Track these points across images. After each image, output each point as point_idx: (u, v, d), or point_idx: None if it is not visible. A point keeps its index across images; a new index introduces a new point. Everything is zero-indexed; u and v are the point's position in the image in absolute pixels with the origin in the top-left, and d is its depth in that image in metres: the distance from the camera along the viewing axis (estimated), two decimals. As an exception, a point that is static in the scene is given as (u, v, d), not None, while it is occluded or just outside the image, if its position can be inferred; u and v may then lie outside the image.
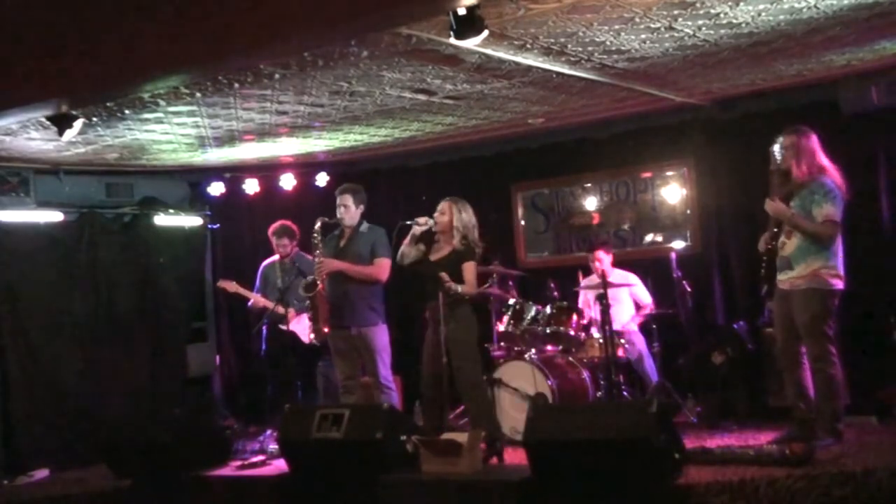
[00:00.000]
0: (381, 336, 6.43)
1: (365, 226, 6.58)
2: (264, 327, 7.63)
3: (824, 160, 5.45)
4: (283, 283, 7.55)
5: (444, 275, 5.93)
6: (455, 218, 6.14)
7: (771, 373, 6.28)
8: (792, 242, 5.42)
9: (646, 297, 7.31)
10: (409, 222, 6.16)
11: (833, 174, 5.42)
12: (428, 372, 6.12)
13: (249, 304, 7.72)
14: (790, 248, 5.43)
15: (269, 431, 6.65)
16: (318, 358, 7.72)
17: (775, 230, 5.54)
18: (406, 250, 6.15)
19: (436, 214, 6.17)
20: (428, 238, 6.21)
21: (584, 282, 7.43)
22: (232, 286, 7.76)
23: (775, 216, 5.48)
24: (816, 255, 5.34)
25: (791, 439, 5.20)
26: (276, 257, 7.78)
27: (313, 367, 7.74)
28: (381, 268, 6.45)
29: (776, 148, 5.45)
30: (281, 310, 7.31)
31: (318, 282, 6.40)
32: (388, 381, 6.40)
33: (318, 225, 6.50)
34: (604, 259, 7.24)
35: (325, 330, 6.45)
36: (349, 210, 6.51)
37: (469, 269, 6.07)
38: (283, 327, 7.37)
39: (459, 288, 5.94)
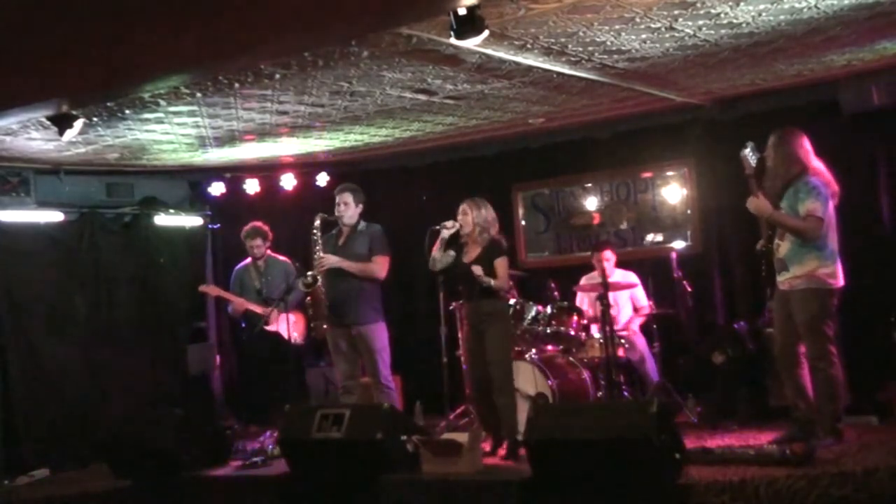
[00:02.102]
0: (381, 335, 6.44)
1: (363, 224, 6.59)
2: (243, 326, 7.63)
3: (813, 160, 5.45)
4: (261, 285, 7.54)
5: (477, 267, 5.92)
6: (475, 215, 6.11)
7: (771, 373, 6.27)
8: (785, 244, 5.42)
9: (643, 299, 7.31)
10: (437, 227, 6.12)
11: (820, 173, 5.41)
12: (474, 374, 6.11)
13: (230, 310, 7.65)
14: (784, 250, 5.43)
15: (268, 432, 6.65)
16: (302, 358, 7.71)
17: (769, 232, 5.55)
18: (437, 255, 6.08)
19: (459, 217, 6.15)
20: (456, 242, 6.18)
21: (583, 280, 7.43)
22: (214, 290, 7.75)
23: (756, 213, 5.49)
24: (810, 254, 5.33)
25: (791, 439, 5.21)
26: (248, 260, 7.72)
27: (291, 366, 7.74)
28: (381, 265, 6.47)
29: (747, 152, 5.47)
30: (262, 311, 7.27)
31: (318, 277, 6.41)
32: (387, 381, 6.41)
33: (317, 221, 6.52)
34: (611, 259, 7.25)
35: (325, 326, 6.45)
36: (349, 208, 6.52)
37: (500, 264, 6.02)
38: (268, 328, 7.33)
39: (492, 281, 5.92)
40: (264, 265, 7.63)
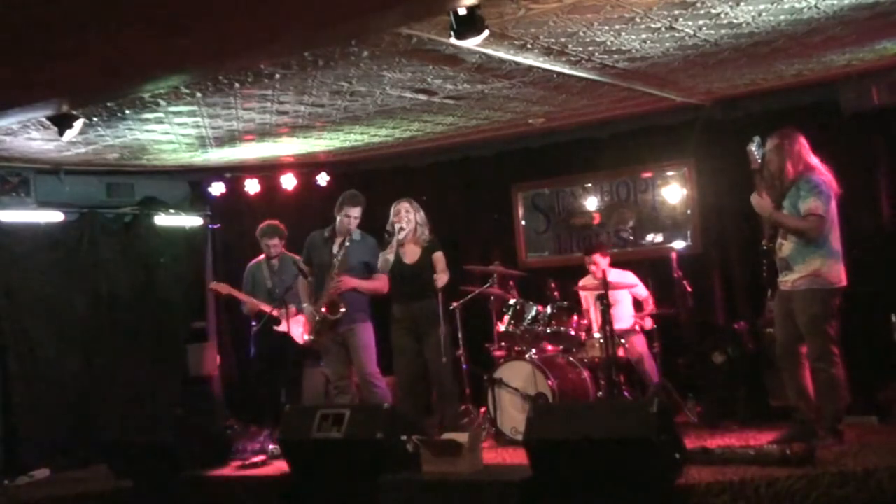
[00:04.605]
0: (367, 333, 6.47)
1: (357, 233, 6.54)
2: (254, 328, 7.50)
3: (813, 159, 5.46)
4: (273, 284, 7.45)
5: (437, 276, 6.00)
6: (417, 216, 6.30)
7: (771, 373, 6.27)
8: (788, 244, 5.42)
9: (643, 291, 7.30)
10: (389, 229, 6.22)
11: (821, 172, 5.42)
12: (408, 375, 6.23)
13: (244, 309, 7.56)
14: (787, 250, 5.43)
15: (268, 432, 6.64)
16: (304, 358, 7.69)
17: (772, 232, 5.55)
18: (390, 258, 6.21)
19: (402, 215, 6.22)
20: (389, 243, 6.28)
21: (582, 282, 7.43)
22: (225, 288, 7.61)
23: (759, 211, 5.50)
24: (813, 254, 5.33)
25: (791, 439, 5.20)
26: (261, 257, 7.65)
27: (299, 367, 7.73)
28: (386, 282, 6.52)
29: (753, 147, 5.48)
30: (275, 312, 7.26)
31: (340, 305, 6.32)
32: (375, 378, 6.43)
33: (346, 243, 6.41)
34: (600, 262, 7.24)
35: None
36: (357, 221, 6.49)
37: (440, 257, 6.28)
38: (278, 328, 7.30)
39: (441, 281, 6.06)
40: (278, 264, 7.54)
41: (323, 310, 6.34)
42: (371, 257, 6.48)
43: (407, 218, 6.24)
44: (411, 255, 6.22)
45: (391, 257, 6.14)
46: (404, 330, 6.21)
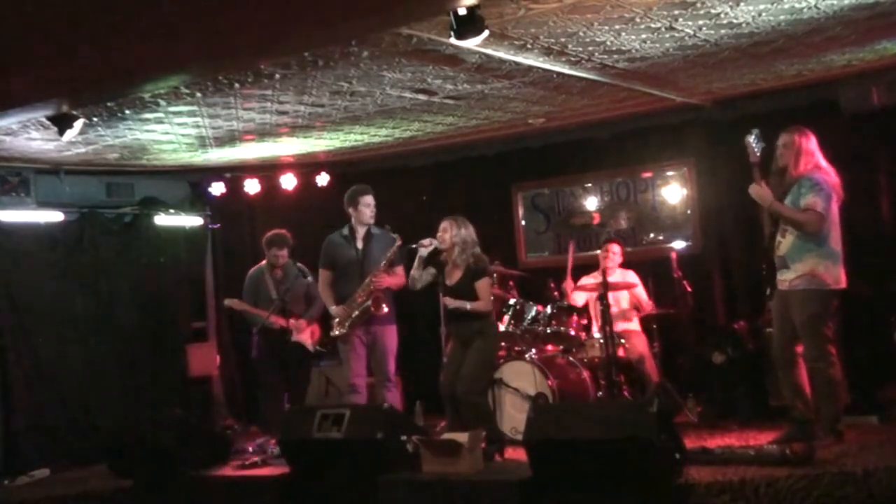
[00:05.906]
0: (395, 335, 6.53)
1: (374, 227, 6.59)
2: (255, 336, 7.37)
3: (821, 160, 5.46)
4: (278, 294, 7.20)
5: (448, 300, 5.98)
6: (454, 234, 6.09)
7: (771, 373, 6.27)
8: (787, 241, 5.42)
9: (644, 298, 7.30)
10: (413, 246, 6.18)
11: (826, 172, 5.42)
12: (450, 381, 6.11)
13: (255, 331, 7.31)
14: (785, 247, 5.42)
15: (268, 437, 6.63)
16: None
17: (771, 230, 5.55)
18: (416, 274, 6.17)
19: (438, 234, 6.17)
20: (436, 260, 6.21)
21: (583, 280, 7.43)
22: (238, 305, 7.36)
23: (757, 200, 5.49)
24: (810, 253, 5.33)
25: (791, 439, 5.20)
26: (262, 263, 7.43)
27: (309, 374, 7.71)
28: (403, 276, 6.51)
29: (751, 139, 5.47)
30: (283, 322, 7.22)
31: (384, 301, 6.36)
32: (393, 378, 6.53)
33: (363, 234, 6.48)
34: (617, 252, 7.23)
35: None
36: (374, 211, 6.54)
37: (482, 286, 6.03)
38: (294, 339, 7.19)
39: (468, 305, 5.96)
40: (282, 273, 7.34)
41: (369, 303, 6.35)
42: (397, 257, 6.50)
43: (442, 238, 6.15)
44: (452, 276, 6.15)
45: (416, 273, 6.15)
46: (457, 344, 6.18)
